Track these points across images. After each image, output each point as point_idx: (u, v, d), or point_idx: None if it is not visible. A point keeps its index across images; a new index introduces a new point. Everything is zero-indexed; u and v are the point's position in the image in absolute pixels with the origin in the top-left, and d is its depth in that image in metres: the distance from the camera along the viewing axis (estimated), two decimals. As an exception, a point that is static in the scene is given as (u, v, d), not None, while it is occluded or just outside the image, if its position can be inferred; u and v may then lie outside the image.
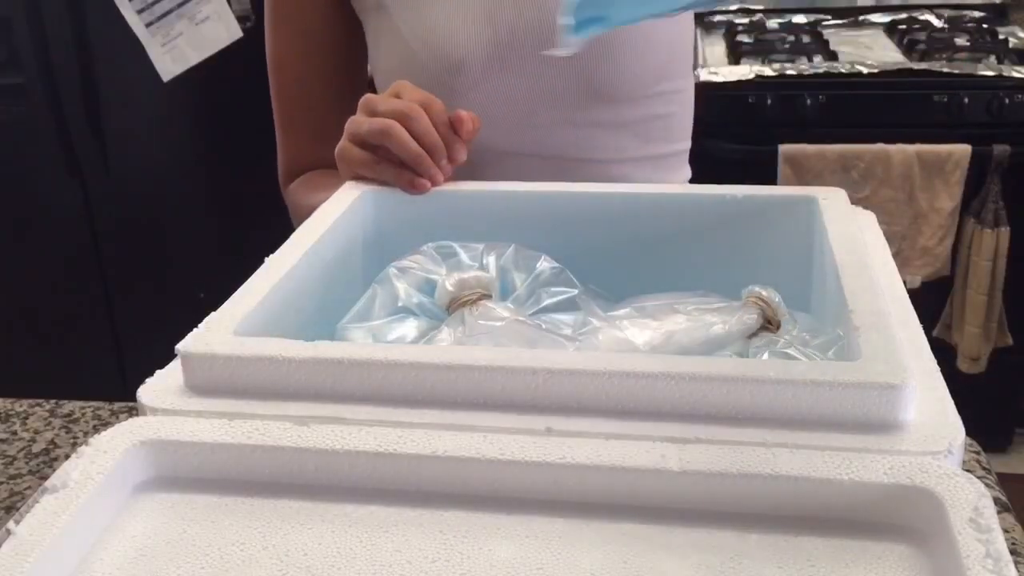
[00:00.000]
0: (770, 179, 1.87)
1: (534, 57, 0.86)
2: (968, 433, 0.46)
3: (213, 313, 0.54)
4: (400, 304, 0.62)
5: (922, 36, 2.10)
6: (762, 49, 2.04)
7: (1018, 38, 2.08)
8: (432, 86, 0.79)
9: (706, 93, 1.84)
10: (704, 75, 1.90)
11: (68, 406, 0.89)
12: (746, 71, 1.90)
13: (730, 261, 0.70)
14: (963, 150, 1.84)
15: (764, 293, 0.60)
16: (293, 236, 0.65)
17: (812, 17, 2.29)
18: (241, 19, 1.69)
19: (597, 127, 0.89)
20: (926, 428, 0.45)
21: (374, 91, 0.86)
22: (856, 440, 0.45)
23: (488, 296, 0.60)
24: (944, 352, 1.97)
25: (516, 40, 0.86)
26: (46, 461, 0.81)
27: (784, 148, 1.87)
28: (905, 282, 0.60)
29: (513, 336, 0.56)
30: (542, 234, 0.71)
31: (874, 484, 0.42)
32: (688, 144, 0.98)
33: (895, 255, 0.66)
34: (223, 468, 0.47)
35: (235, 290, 0.57)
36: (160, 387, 0.51)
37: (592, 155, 0.90)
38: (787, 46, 2.07)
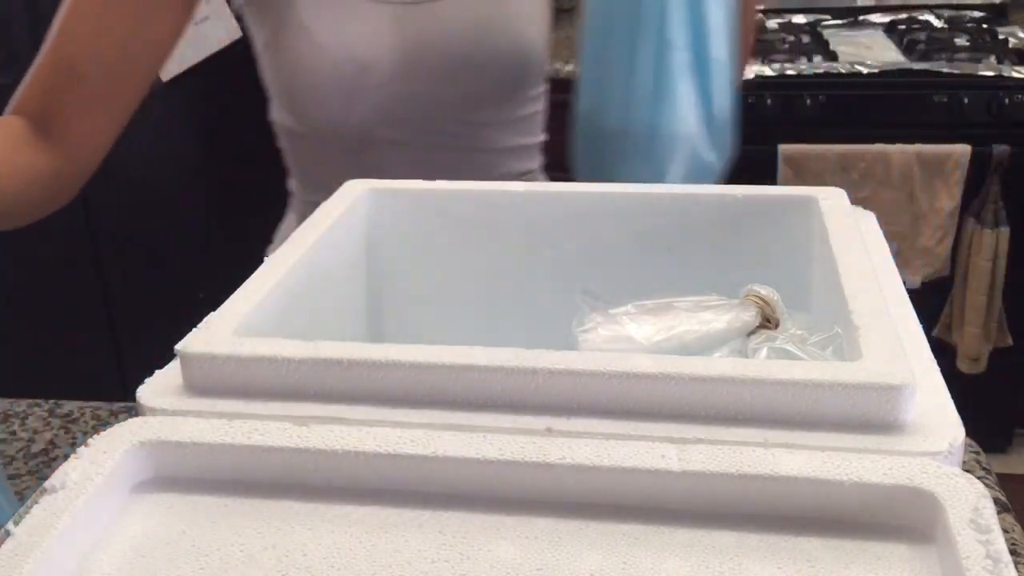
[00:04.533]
0: (770, 179, 1.87)
1: (438, 68, 0.96)
2: (968, 433, 0.46)
3: (213, 313, 0.54)
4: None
5: (922, 36, 2.10)
6: (762, 49, 2.04)
7: (1018, 38, 2.08)
8: (340, 78, 0.90)
9: (706, 93, 1.83)
10: (704, 75, 1.90)
11: (67, 406, 0.89)
12: (746, 71, 1.90)
13: (730, 261, 0.70)
14: (963, 150, 1.85)
15: (763, 291, 0.60)
16: (293, 236, 0.65)
17: (812, 17, 2.29)
18: (240, 19, 1.69)
19: (485, 126, 1.03)
20: (926, 428, 0.45)
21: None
22: (856, 440, 0.45)
23: None
24: (944, 352, 1.97)
25: (422, 53, 0.95)
26: (45, 461, 0.81)
27: (784, 148, 1.87)
28: (905, 282, 0.60)
29: None
30: (543, 233, 0.71)
31: (874, 485, 0.42)
32: (543, 136, 1.11)
33: (895, 255, 0.66)
34: (223, 468, 0.47)
35: (235, 290, 0.57)
36: (159, 387, 0.51)
37: (477, 145, 1.03)
38: (787, 46, 2.07)
